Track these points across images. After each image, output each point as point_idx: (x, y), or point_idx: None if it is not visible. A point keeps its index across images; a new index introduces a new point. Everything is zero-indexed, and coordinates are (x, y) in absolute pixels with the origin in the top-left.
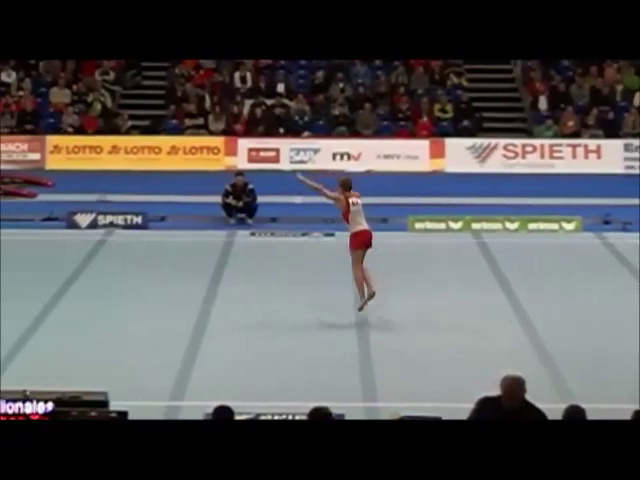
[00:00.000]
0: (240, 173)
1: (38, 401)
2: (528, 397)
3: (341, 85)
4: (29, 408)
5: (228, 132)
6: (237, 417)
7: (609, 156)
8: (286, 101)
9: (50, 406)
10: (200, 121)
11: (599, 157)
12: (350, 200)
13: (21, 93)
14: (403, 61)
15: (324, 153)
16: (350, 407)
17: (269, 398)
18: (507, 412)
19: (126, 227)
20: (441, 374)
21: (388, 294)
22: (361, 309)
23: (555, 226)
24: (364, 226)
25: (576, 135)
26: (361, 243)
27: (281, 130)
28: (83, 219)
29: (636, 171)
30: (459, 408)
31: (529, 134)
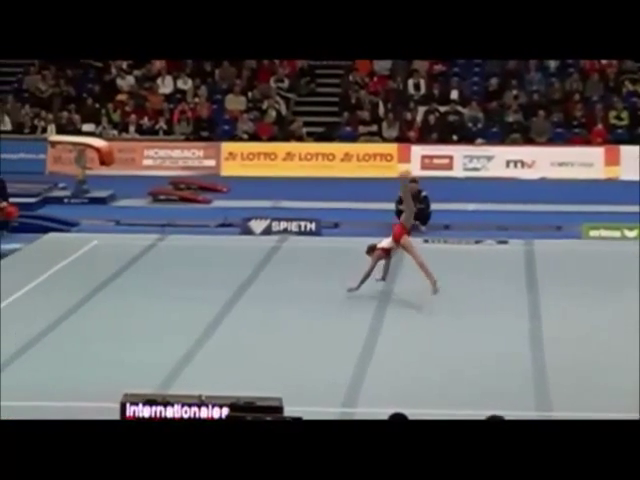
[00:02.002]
0: (414, 180)
1: (213, 406)
2: None
3: (515, 92)
4: (204, 413)
5: (401, 139)
6: None
7: None
8: (460, 108)
9: (225, 411)
10: (374, 128)
11: None
12: (383, 246)
13: (197, 100)
14: (578, 68)
15: (498, 160)
16: (523, 416)
17: (442, 405)
18: None
19: (300, 233)
20: (615, 385)
21: (561, 303)
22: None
23: None
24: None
25: None
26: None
27: (454, 137)
28: (257, 225)
29: None
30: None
31: None
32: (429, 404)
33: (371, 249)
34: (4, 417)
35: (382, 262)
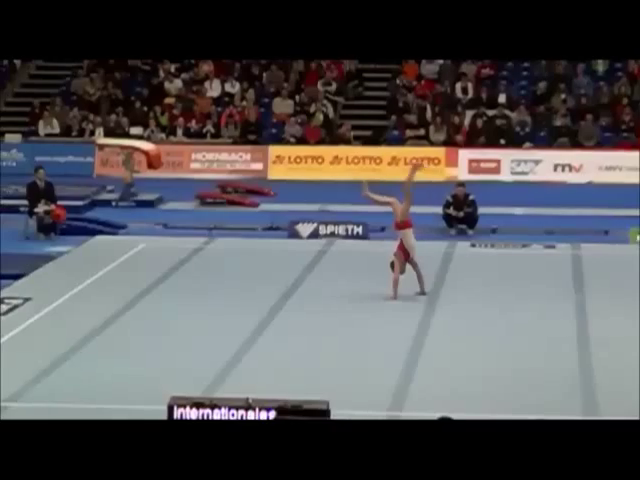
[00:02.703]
0: (461, 184)
1: (260, 409)
2: None
3: (563, 96)
4: (251, 416)
5: (449, 143)
6: None
7: None
8: (507, 112)
9: (272, 415)
10: (421, 132)
11: None
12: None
13: (245, 103)
14: (626, 72)
15: (545, 164)
16: (569, 418)
17: (487, 410)
18: None
19: (347, 237)
20: None
21: (608, 307)
22: None
23: None
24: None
25: None
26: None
27: (502, 141)
28: (304, 229)
29: None
30: None
31: None
32: (475, 407)
33: (392, 263)
34: (54, 418)
35: (411, 270)
